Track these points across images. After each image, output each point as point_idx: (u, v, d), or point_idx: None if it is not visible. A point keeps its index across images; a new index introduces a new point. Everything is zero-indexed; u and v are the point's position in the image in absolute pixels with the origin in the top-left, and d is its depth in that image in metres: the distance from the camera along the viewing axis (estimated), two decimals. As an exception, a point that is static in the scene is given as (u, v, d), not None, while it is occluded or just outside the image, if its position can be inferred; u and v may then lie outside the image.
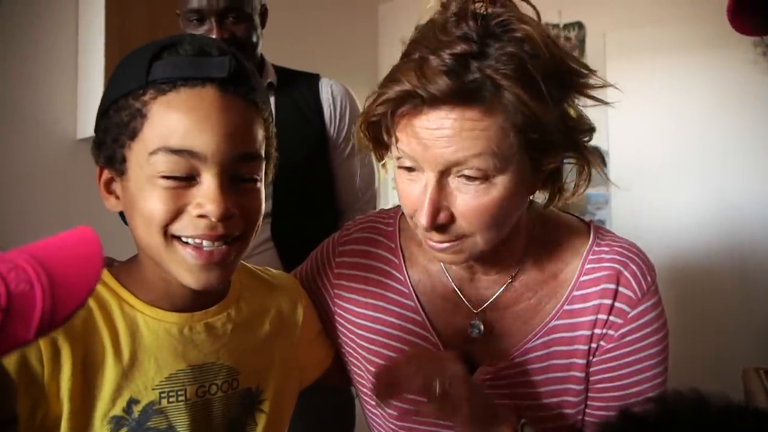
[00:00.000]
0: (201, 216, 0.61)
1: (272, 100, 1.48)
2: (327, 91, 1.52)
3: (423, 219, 0.69)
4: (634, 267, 0.79)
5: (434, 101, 0.66)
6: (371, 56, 3.25)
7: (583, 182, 0.75)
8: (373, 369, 0.85)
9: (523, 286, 0.82)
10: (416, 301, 0.84)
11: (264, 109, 0.69)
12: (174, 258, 0.63)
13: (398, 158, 0.72)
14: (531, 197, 0.78)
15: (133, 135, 0.63)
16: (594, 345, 0.79)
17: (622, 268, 0.79)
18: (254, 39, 1.42)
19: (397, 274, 0.85)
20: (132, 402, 0.65)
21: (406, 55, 0.70)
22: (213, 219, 0.61)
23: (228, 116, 0.63)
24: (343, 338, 0.88)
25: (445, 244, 0.72)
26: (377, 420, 0.89)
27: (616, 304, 0.78)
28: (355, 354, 0.87)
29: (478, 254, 0.74)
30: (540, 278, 0.81)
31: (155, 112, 0.62)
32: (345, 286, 0.87)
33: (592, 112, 2.88)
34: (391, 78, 0.69)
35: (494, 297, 0.82)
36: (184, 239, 0.62)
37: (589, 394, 0.81)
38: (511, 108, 0.65)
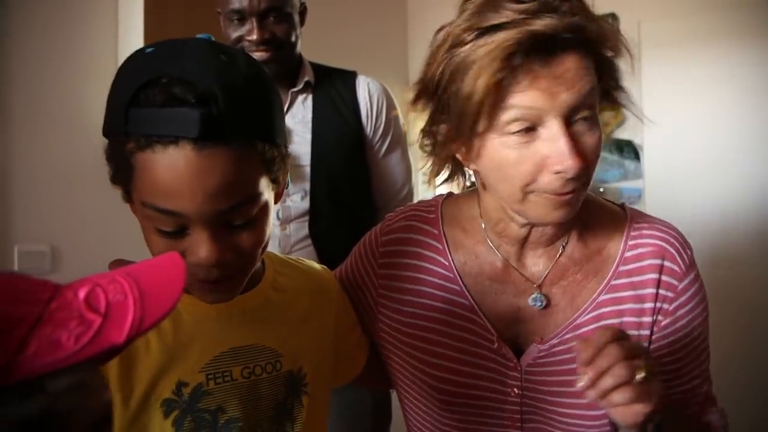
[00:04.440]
0: (197, 263, 0.62)
1: (310, 98, 1.51)
2: (364, 89, 1.53)
3: (571, 163, 0.68)
4: (675, 242, 0.82)
5: (563, 43, 0.68)
6: (401, 51, 3.25)
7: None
8: (419, 357, 0.86)
9: (570, 261, 0.83)
10: (461, 285, 0.85)
11: (266, 136, 0.63)
12: (189, 284, 0.65)
13: (509, 124, 0.71)
14: None
15: (129, 178, 0.61)
16: (649, 319, 0.81)
17: (664, 244, 0.82)
18: (293, 38, 1.45)
19: (442, 259, 0.87)
20: (181, 385, 0.68)
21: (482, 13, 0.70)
22: (207, 266, 0.62)
23: (208, 176, 0.58)
24: (387, 330, 0.89)
25: (570, 195, 0.72)
26: (417, 416, 0.91)
27: (665, 278, 0.81)
28: (398, 345, 0.88)
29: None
30: (585, 254, 0.83)
31: (138, 166, 0.59)
32: (390, 275, 0.89)
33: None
34: (497, 29, 0.68)
35: (548, 271, 0.83)
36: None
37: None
38: (595, 46, 0.71)
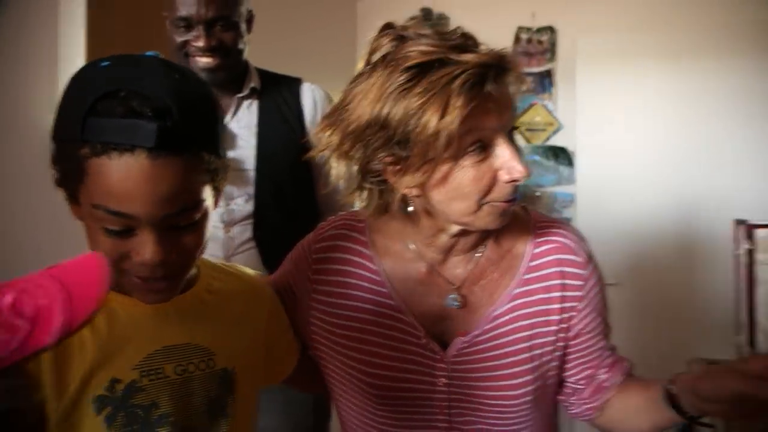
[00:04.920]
0: (142, 262, 0.67)
1: (255, 104, 1.54)
2: (309, 96, 1.57)
3: (522, 171, 0.78)
4: (574, 236, 0.95)
5: (503, 70, 0.77)
6: (350, 55, 3.30)
7: None
8: (353, 356, 0.92)
9: (487, 262, 0.92)
10: (390, 288, 0.92)
11: (210, 147, 0.69)
12: (126, 281, 0.70)
13: (469, 146, 0.78)
14: None
15: (79, 181, 0.65)
16: (557, 306, 0.91)
17: (566, 240, 0.93)
18: (240, 46, 1.47)
19: (370, 265, 0.93)
20: (114, 381, 0.71)
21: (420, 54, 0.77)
22: (152, 265, 0.67)
23: (159, 183, 0.63)
24: (320, 333, 0.95)
25: (513, 202, 0.83)
26: (353, 411, 0.96)
27: (571, 270, 0.92)
28: (332, 346, 0.94)
29: None
30: (500, 253, 0.93)
31: (92, 171, 0.63)
32: (322, 280, 0.94)
33: (561, 114, 3.04)
34: (451, 65, 0.75)
35: (467, 273, 0.92)
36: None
37: (573, 351, 0.94)
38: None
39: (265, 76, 1.58)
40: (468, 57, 0.75)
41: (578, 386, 0.96)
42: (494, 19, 3.10)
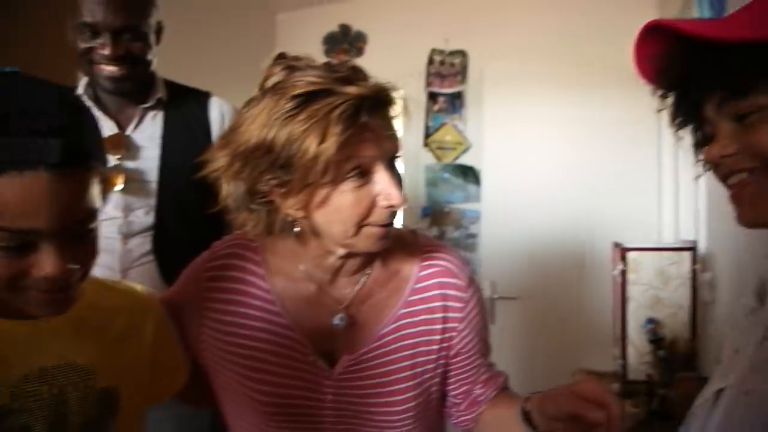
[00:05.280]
0: (45, 276, 0.67)
1: (160, 115, 1.52)
2: (216, 110, 1.57)
3: (398, 198, 0.85)
4: (457, 261, 1.02)
5: (383, 101, 0.84)
6: (267, 66, 3.31)
7: None
8: (244, 374, 0.94)
9: (374, 283, 0.98)
10: (280, 307, 0.95)
11: (101, 158, 0.71)
12: (22, 300, 0.69)
13: (349, 172, 0.83)
14: None
15: None
16: (440, 326, 0.98)
17: (449, 264, 1.00)
18: (149, 57, 1.45)
19: (262, 283, 0.96)
20: None
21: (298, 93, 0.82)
22: (53, 278, 0.67)
23: (61, 197, 0.64)
24: (212, 350, 0.97)
25: (392, 226, 0.89)
26: (244, 429, 0.99)
27: (453, 293, 0.99)
28: (224, 363, 0.96)
29: None
30: (386, 275, 0.98)
31: None
32: (214, 298, 0.97)
33: (470, 134, 3.17)
34: (326, 99, 0.80)
35: (354, 293, 0.97)
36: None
37: (453, 368, 1.01)
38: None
39: (172, 87, 1.57)
40: (350, 89, 0.80)
41: (456, 400, 1.04)
42: (410, 39, 3.21)
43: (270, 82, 0.85)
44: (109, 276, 1.38)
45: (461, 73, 3.18)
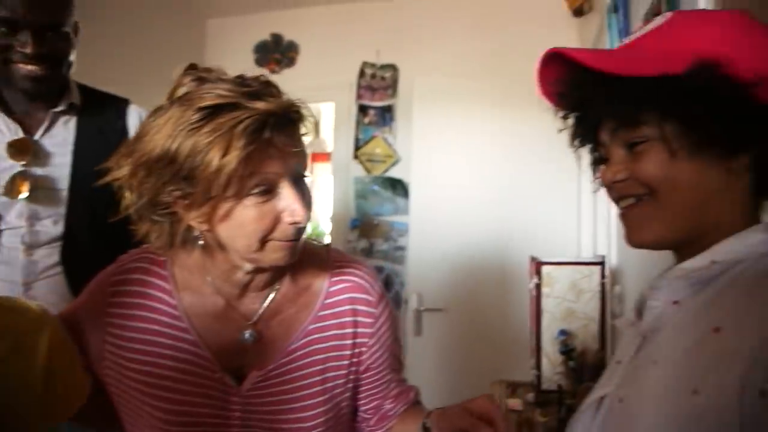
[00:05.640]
0: None
1: (73, 121, 1.46)
2: (135, 118, 1.52)
3: (303, 215, 0.85)
4: (368, 276, 1.02)
5: (290, 119, 0.84)
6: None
7: None
8: (149, 392, 0.92)
9: (283, 299, 0.97)
10: (187, 323, 0.93)
11: None
12: None
13: (252, 188, 0.82)
14: None
15: None
16: (350, 341, 0.98)
17: (359, 280, 1.01)
18: (72, 58, 1.40)
19: (169, 299, 0.94)
20: None
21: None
22: None
23: None
24: (116, 368, 0.94)
25: (298, 241, 0.88)
26: None
27: (363, 308, 0.99)
28: (128, 382, 0.93)
29: None
30: (296, 291, 0.98)
31: None
32: (119, 314, 0.94)
33: (400, 147, 3.20)
34: (231, 113, 0.79)
35: (263, 308, 0.96)
36: None
37: (363, 383, 1.01)
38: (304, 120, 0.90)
39: (87, 92, 1.51)
40: (257, 104, 0.80)
41: (366, 415, 1.04)
42: (342, 51, 3.24)
43: (179, 92, 0.85)
44: (9, 290, 1.33)
45: (392, 86, 3.22)
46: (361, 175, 3.21)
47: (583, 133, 0.76)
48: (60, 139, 1.44)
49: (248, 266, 0.91)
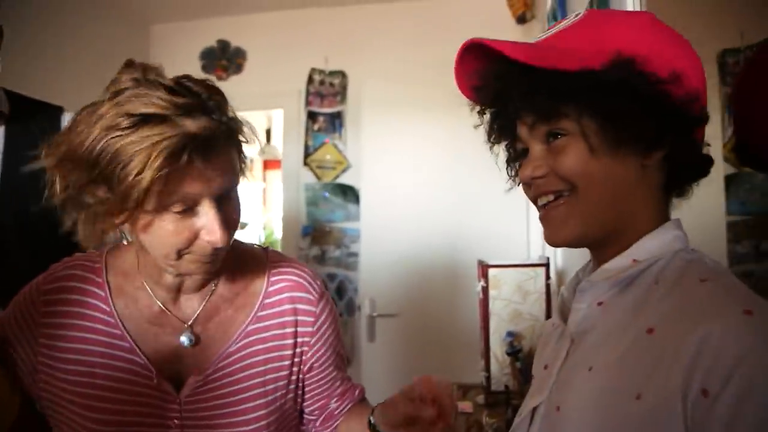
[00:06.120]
0: None
1: (2, 130, 1.41)
2: None
3: (221, 237, 0.82)
4: (307, 275, 1.02)
5: (217, 142, 0.80)
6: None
7: None
8: (85, 403, 0.89)
9: (220, 300, 0.96)
10: (122, 329, 0.91)
11: None
12: None
13: (171, 206, 0.80)
14: None
15: None
16: (291, 341, 0.97)
17: (298, 279, 1.00)
18: None
19: (104, 306, 0.92)
20: None
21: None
22: None
23: None
24: (49, 381, 0.91)
25: (216, 258, 0.87)
26: None
27: (303, 307, 0.99)
28: (63, 394, 0.90)
29: None
30: (233, 291, 0.97)
31: None
32: (52, 324, 0.91)
33: (350, 154, 3.20)
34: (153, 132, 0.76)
35: (199, 311, 0.94)
36: None
37: (307, 383, 1.01)
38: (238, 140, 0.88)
39: (17, 99, 1.45)
40: (185, 122, 0.77)
41: (312, 416, 1.04)
42: (290, 58, 3.21)
43: (114, 88, 0.81)
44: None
45: (341, 93, 3.22)
46: (311, 182, 3.19)
47: (501, 128, 0.74)
48: None
49: (171, 270, 0.89)
